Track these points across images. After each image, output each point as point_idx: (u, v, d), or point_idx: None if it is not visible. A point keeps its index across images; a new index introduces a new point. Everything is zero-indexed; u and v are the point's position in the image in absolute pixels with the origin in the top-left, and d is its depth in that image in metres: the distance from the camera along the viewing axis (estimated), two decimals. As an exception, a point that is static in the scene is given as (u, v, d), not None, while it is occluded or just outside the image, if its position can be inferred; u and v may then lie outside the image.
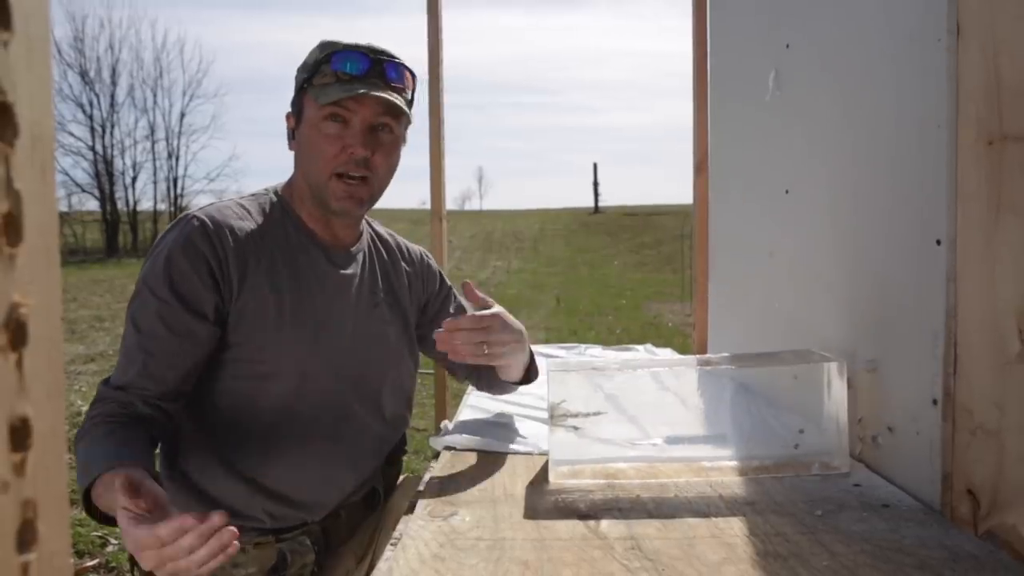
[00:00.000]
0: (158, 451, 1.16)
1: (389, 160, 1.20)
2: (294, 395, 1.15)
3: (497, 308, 1.20)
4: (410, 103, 1.21)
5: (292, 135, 1.22)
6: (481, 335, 1.15)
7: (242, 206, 1.20)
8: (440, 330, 1.13)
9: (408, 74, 1.20)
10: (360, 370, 1.24)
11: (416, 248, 1.44)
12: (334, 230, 1.25)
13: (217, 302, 1.11)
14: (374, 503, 1.32)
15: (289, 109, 1.23)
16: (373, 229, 1.38)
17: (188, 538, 0.78)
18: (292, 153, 1.24)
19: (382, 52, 1.16)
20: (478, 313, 1.17)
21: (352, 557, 1.26)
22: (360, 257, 1.29)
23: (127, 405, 1.06)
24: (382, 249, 1.35)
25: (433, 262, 1.45)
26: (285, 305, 1.15)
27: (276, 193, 1.25)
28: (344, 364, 1.21)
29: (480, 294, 1.22)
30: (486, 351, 1.15)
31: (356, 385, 1.23)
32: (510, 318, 1.21)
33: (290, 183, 1.26)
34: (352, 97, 1.13)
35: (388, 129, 1.18)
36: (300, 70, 1.20)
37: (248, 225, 1.16)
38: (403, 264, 1.38)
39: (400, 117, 1.19)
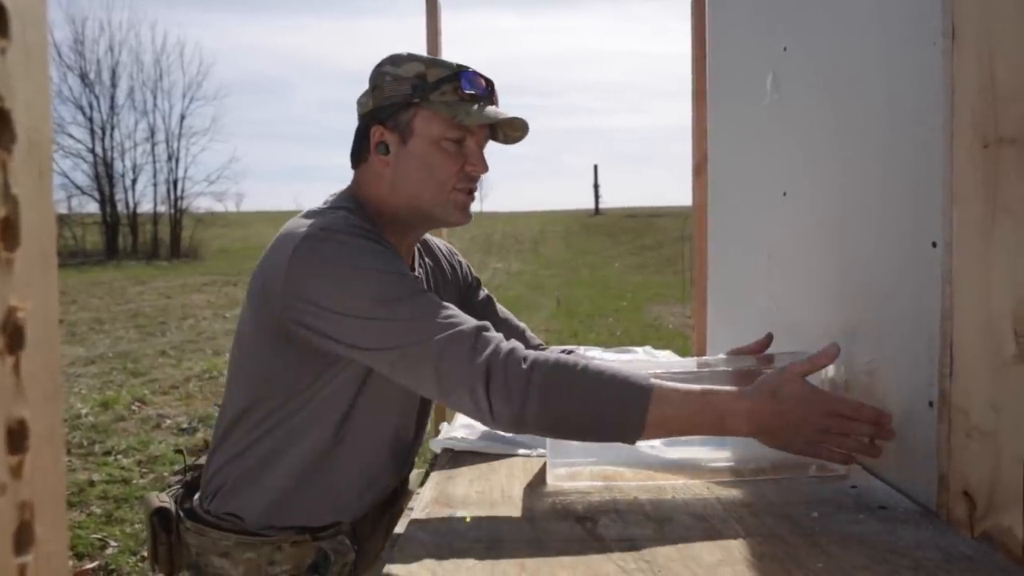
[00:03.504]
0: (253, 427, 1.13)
1: None
2: (372, 407, 1.16)
3: None
4: None
5: (384, 149, 1.18)
6: None
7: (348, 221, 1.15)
8: None
9: None
10: None
11: (443, 243, 1.48)
12: (410, 245, 1.27)
13: None
14: (394, 500, 1.33)
15: (377, 124, 1.18)
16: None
17: (866, 427, 0.99)
18: (363, 167, 1.21)
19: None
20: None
21: (375, 555, 1.27)
22: (419, 271, 1.32)
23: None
24: (426, 257, 1.39)
25: (459, 255, 1.50)
26: None
27: (348, 211, 1.16)
28: None
29: None
30: None
31: (414, 396, 1.24)
32: None
33: (362, 200, 1.20)
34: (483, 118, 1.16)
35: None
36: (396, 82, 1.16)
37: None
38: (444, 264, 1.42)
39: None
